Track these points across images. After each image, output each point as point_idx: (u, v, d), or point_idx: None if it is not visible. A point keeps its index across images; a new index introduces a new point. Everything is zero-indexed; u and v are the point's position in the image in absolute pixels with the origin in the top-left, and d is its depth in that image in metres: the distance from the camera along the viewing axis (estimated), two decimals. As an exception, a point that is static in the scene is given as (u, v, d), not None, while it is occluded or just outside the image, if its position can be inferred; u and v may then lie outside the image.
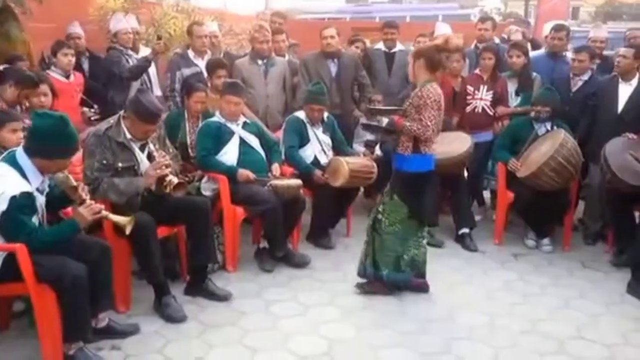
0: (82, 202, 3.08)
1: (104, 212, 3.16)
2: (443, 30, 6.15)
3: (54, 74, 4.82)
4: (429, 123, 3.67)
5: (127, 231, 3.22)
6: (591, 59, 5.16)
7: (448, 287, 4.20)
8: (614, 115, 4.79)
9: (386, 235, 3.91)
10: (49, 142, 2.95)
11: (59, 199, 3.20)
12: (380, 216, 3.93)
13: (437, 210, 5.13)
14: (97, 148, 3.54)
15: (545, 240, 4.92)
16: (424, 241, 4.04)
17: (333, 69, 5.52)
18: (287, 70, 5.58)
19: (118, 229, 3.34)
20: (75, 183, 3.11)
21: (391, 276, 3.95)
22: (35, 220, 3.00)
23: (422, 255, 4.02)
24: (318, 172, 4.71)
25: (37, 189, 3.02)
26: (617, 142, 4.51)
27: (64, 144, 3.01)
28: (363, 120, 5.28)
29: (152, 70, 5.59)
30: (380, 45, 6.03)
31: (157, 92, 5.57)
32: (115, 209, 3.45)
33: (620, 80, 4.87)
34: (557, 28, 5.66)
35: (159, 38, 5.70)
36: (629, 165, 4.32)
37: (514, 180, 4.85)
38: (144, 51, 5.71)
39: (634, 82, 4.82)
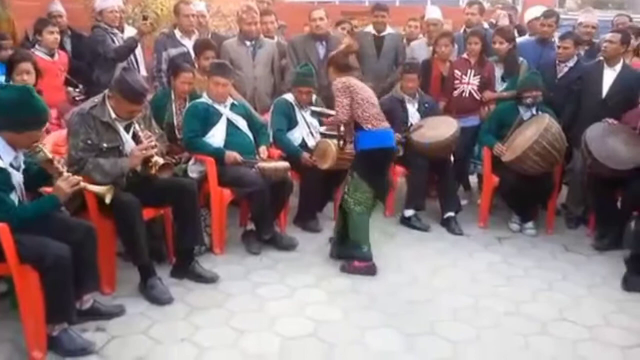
0: (60, 174, 3.01)
1: (83, 184, 3.10)
2: (433, 13, 6.12)
3: (38, 53, 4.74)
4: (337, 109, 3.99)
5: (107, 200, 3.20)
6: (576, 46, 5.15)
7: (433, 269, 4.23)
8: (598, 101, 4.81)
9: (355, 215, 4.06)
10: (15, 113, 2.89)
11: (37, 175, 3.13)
12: (346, 196, 4.11)
13: (424, 194, 5.16)
14: (81, 127, 3.48)
15: (529, 224, 4.97)
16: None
17: (321, 51, 5.47)
18: (275, 52, 5.53)
19: (103, 209, 3.31)
20: (50, 156, 3.03)
21: (370, 253, 4.11)
22: (14, 198, 2.96)
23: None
24: (306, 155, 4.71)
25: (12, 165, 2.96)
26: (598, 127, 4.55)
27: (31, 114, 2.94)
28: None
29: (137, 50, 5.52)
30: (370, 29, 5.99)
31: (143, 72, 5.51)
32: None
33: (605, 65, 4.89)
34: (547, 14, 5.65)
35: (145, 18, 5.62)
36: (610, 150, 4.35)
37: (500, 164, 4.87)
38: (130, 31, 5.64)
39: (618, 67, 4.84)
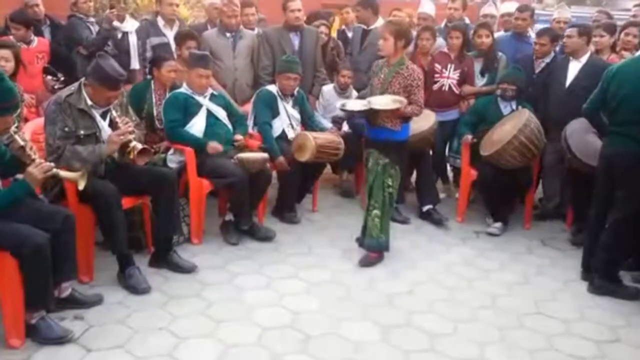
0: (32, 161, 2.96)
1: (55, 170, 3.05)
2: (426, 7, 6.13)
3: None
4: (422, 101, 4.08)
5: (81, 186, 3.15)
6: (552, 42, 5.19)
7: (411, 262, 4.27)
8: (562, 90, 4.84)
9: (389, 205, 4.18)
10: None
11: (10, 164, 3.07)
12: (391, 190, 4.13)
13: (403, 187, 5.18)
14: (58, 115, 3.45)
15: (497, 224, 4.92)
16: None
17: (296, 42, 5.43)
18: (255, 43, 5.48)
19: (82, 197, 3.27)
20: (22, 142, 2.97)
21: (388, 240, 4.23)
22: None
23: None
24: (281, 159, 4.66)
25: None
26: (578, 124, 4.58)
27: (2, 99, 2.86)
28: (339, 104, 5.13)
29: (132, 40, 5.44)
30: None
31: (135, 64, 5.45)
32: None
33: (571, 58, 4.91)
34: (522, 9, 5.70)
35: (112, 7, 5.59)
36: (590, 147, 4.40)
37: (478, 158, 4.91)
38: (131, 23, 5.58)
39: (584, 59, 4.85)
